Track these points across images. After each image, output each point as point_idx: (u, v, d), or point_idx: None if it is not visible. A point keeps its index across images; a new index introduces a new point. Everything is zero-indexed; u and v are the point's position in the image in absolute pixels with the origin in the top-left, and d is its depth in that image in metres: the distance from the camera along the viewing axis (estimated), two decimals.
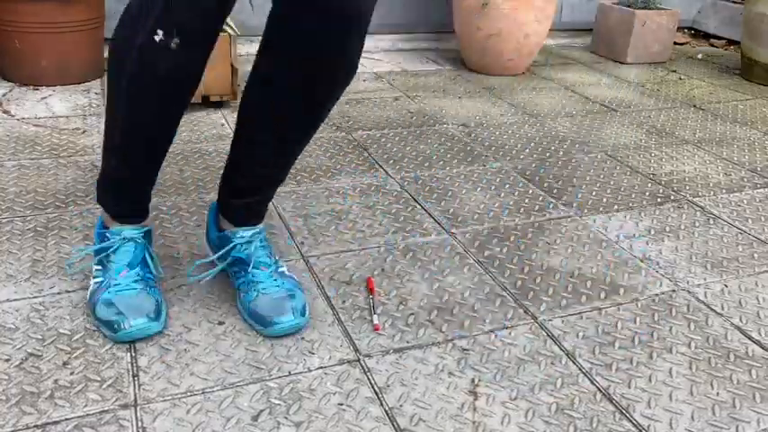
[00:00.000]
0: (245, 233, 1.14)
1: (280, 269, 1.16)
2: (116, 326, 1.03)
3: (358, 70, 2.66)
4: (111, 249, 1.11)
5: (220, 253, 1.15)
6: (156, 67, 0.96)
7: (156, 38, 0.93)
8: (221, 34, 2.00)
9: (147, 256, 1.13)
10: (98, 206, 1.26)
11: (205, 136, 1.88)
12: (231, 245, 1.14)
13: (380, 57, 2.92)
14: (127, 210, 1.13)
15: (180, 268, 1.24)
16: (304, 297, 1.13)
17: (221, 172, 1.65)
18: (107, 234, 1.12)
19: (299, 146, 1.09)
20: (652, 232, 1.52)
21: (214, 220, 1.20)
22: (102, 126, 1.90)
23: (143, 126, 1.03)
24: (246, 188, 1.13)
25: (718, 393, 1.04)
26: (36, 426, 0.89)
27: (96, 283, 1.10)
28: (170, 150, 1.76)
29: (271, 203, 1.51)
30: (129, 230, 1.12)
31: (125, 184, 1.11)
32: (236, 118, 1.09)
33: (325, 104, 1.04)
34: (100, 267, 1.12)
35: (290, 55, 0.98)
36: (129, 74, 0.97)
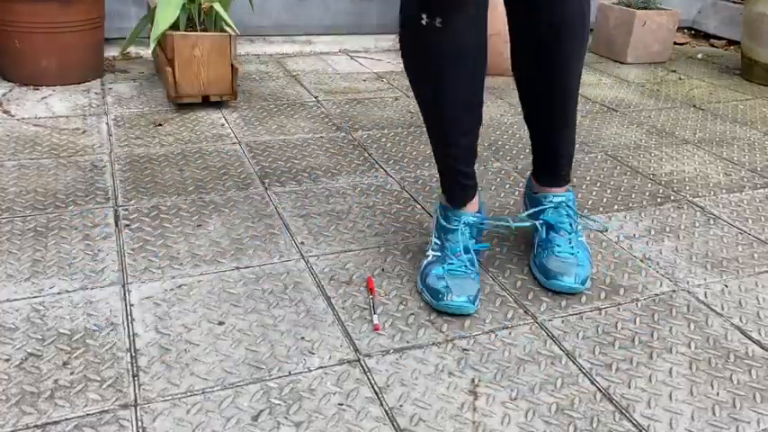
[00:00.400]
0: (554, 198, 1.31)
1: (579, 238, 1.31)
2: (440, 296, 1.15)
3: (358, 70, 2.67)
4: (452, 231, 1.24)
5: (531, 211, 1.33)
6: (433, 44, 1.08)
7: (423, 21, 1.06)
8: (222, 34, 2.00)
9: (475, 247, 1.26)
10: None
11: (205, 136, 1.88)
12: (540, 207, 1.32)
13: (380, 57, 2.92)
14: (456, 197, 1.25)
15: (180, 268, 1.25)
16: (590, 270, 1.27)
17: (221, 171, 1.66)
18: (448, 213, 1.25)
19: (573, 84, 1.23)
20: (652, 232, 1.52)
21: (529, 182, 1.39)
22: (103, 126, 1.91)
23: (442, 102, 1.14)
24: (545, 149, 1.31)
25: (718, 393, 1.04)
26: (36, 426, 0.89)
27: (435, 255, 1.24)
28: (170, 150, 1.76)
29: (271, 204, 1.51)
30: (468, 216, 1.25)
31: (448, 166, 1.23)
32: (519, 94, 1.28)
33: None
34: (438, 243, 1.25)
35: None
36: (415, 55, 1.13)
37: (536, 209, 1.33)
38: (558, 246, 1.27)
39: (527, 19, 1.16)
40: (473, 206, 1.28)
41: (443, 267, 1.20)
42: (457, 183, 1.24)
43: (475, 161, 1.24)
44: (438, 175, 1.28)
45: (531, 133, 1.32)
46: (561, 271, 1.23)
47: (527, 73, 1.24)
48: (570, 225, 1.30)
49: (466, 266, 1.20)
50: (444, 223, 1.26)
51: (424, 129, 2.05)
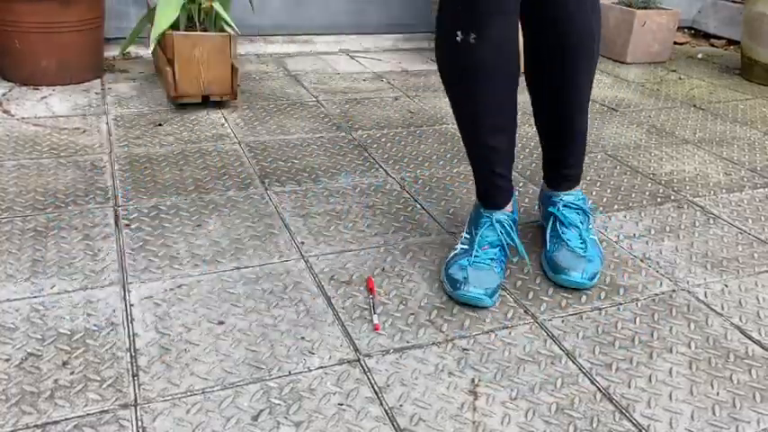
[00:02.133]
0: (564, 197, 1.36)
1: (590, 236, 1.33)
2: (458, 285, 1.18)
3: (358, 70, 2.67)
4: (482, 225, 1.28)
5: (544, 208, 1.40)
6: (467, 60, 1.12)
7: (458, 38, 1.10)
8: (222, 34, 2.00)
9: (507, 241, 1.28)
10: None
11: (205, 136, 1.88)
12: (550, 203, 1.37)
13: (380, 57, 2.92)
14: (490, 196, 1.29)
15: (180, 268, 1.25)
16: (599, 267, 1.28)
17: (221, 171, 1.66)
18: (482, 211, 1.30)
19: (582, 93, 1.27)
20: (652, 232, 1.52)
21: (543, 182, 1.44)
22: (102, 126, 1.91)
23: (479, 113, 1.19)
24: (552, 159, 1.37)
25: (718, 393, 1.04)
26: (36, 426, 0.89)
27: (462, 248, 1.27)
28: (170, 150, 1.76)
29: (271, 204, 1.51)
30: (500, 215, 1.28)
31: (481, 171, 1.28)
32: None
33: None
34: (468, 237, 1.29)
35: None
36: (449, 68, 1.17)
37: (547, 207, 1.38)
38: (569, 241, 1.29)
39: (536, 35, 1.21)
40: (506, 208, 1.31)
41: (467, 260, 1.22)
42: (491, 184, 1.28)
43: (511, 164, 1.29)
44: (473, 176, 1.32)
45: (541, 142, 1.38)
46: (570, 266, 1.25)
47: (536, 87, 1.30)
48: (580, 222, 1.33)
49: (490, 259, 1.23)
50: (475, 217, 1.30)
51: (424, 128, 2.06)
